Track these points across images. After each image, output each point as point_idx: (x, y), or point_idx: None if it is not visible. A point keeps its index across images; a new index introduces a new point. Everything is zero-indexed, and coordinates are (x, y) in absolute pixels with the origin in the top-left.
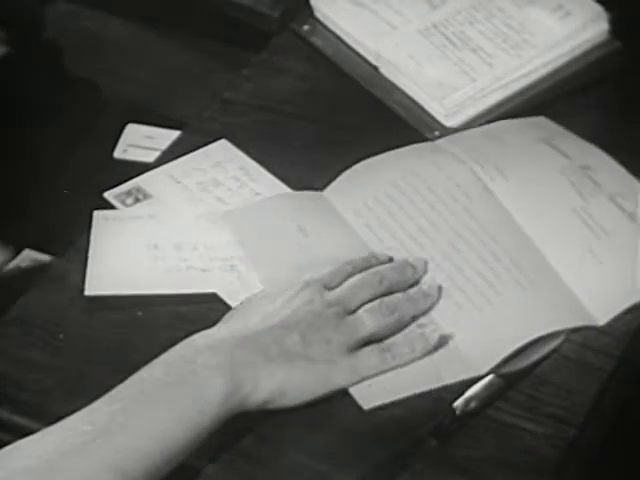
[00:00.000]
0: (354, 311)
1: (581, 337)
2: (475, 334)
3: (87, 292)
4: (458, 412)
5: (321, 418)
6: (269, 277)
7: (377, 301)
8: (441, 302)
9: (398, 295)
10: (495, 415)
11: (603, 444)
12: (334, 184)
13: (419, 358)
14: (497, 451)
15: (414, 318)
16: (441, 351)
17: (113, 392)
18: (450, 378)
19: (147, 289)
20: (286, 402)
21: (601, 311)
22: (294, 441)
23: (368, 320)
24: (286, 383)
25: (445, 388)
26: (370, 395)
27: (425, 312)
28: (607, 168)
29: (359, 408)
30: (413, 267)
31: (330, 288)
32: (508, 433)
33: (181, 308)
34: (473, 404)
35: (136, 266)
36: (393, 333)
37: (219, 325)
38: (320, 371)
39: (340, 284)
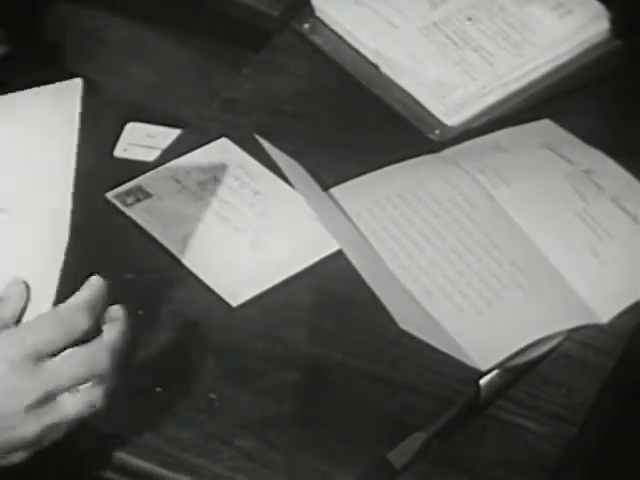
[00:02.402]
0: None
1: (581, 336)
2: (477, 336)
3: None
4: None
5: (321, 418)
6: None
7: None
8: (443, 306)
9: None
10: (495, 414)
11: (603, 443)
12: (339, 188)
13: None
14: (497, 450)
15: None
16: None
17: None
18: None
19: None
20: None
21: (604, 309)
22: (294, 441)
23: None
24: None
25: (445, 387)
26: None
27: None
28: (610, 171)
29: (359, 408)
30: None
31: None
32: (508, 432)
33: (181, 308)
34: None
35: None
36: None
37: None
38: None
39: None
